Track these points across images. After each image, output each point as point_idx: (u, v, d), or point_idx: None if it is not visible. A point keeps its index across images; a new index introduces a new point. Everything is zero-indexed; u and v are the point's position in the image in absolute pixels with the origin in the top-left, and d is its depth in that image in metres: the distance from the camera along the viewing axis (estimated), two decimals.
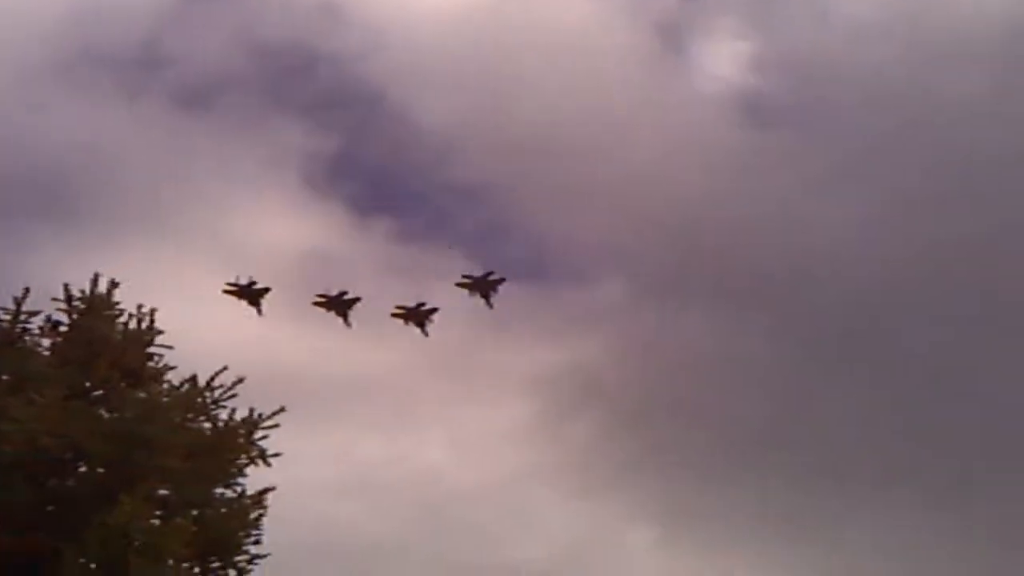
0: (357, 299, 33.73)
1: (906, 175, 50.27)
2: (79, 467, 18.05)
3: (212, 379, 18.83)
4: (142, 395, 18.44)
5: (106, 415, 18.35)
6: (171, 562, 17.17)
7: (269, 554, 18.57)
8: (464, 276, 28.53)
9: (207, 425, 18.80)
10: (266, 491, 18.85)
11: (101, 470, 18.02)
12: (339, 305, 34.08)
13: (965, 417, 46.71)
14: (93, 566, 17.19)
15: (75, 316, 18.99)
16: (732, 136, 52.85)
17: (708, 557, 45.74)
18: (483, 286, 27.28)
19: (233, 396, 18.86)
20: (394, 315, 32.56)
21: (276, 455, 18.97)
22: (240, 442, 18.76)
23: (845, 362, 48.85)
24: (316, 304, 34.50)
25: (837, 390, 48.55)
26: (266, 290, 29.07)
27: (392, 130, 54.54)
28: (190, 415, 18.59)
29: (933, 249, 48.89)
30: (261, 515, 18.60)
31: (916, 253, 48.87)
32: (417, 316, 30.93)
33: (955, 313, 48.39)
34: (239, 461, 18.78)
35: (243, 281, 29.10)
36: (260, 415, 18.92)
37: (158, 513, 17.63)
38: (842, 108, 52.57)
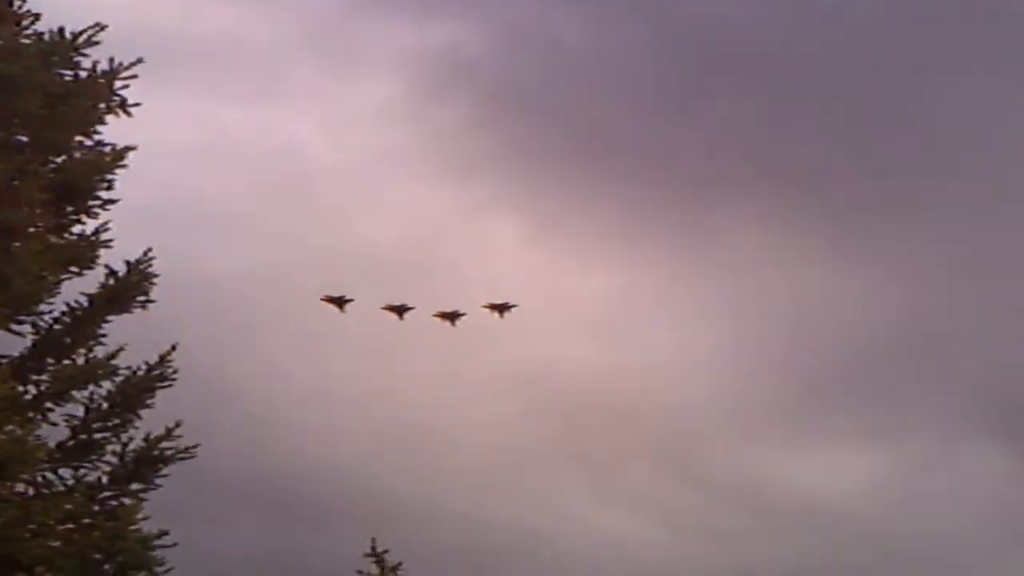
0: None
1: None
2: None
3: (79, 34, 18.53)
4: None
5: None
6: (27, 208, 17.25)
7: (120, 199, 18.83)
8: (489, 303, 33.02)
9: (68, 73, 18.58)
10: (127, 149, 18.90)
11: None
12: None
13: (856, 123, 47.17)
14: None
15: None
16: None
17: (571, 259, 46.32)
18: (500, 308, 32.22)
19: (95, 44, 18.62)
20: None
21: (136, 104, 18.96)
22: (101, 91, 18.64)
23: (729, 69, 48.75)
24: None
25: (718, 98, 48.63)
26: (350, 300, 31.88)
27: None
28: (54, 58, 18.34)
29: None
30: (117, 165, 18.71)
31: None
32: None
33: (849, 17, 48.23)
34: (99, 110, 18.70)
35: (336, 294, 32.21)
36: (120, 64, 18.79)
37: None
38: None
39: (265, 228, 42.35)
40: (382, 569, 25.89)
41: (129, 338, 18.84)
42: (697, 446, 43.29)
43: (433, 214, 45.62)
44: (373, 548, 25.81)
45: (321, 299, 32.12)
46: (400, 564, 25.88)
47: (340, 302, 32.01)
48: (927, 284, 45.35)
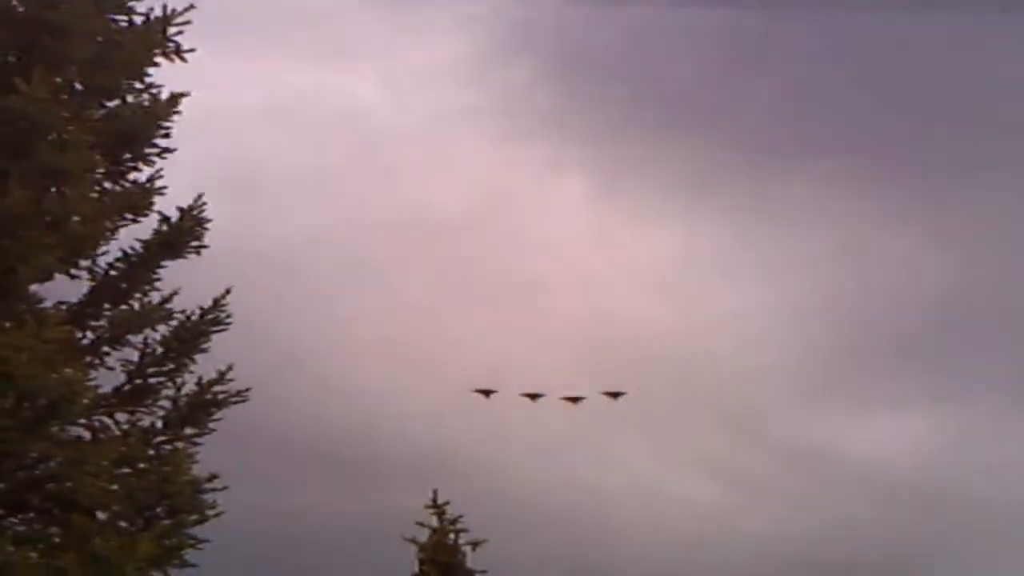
0: None
1: None
2: None
3: None
4: None
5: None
6: (77, 152, 17.26)
7: (176, 149, 18.91)
8: (606, 391, 32.92)
9: (120, 17, 18.65)
10: (181, 95, 18.93)
11: (11, 58, 17.85)
12: None
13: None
14: None
15: None
16: None
17: (635, 217, 46.15)
18: (614, 395, 31.86)
19: None
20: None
21: (191, 50, 18.96)
22: (154, 36, 18.68)
23: (795, 29, 48.31)
24: None
25: (784, 58, 48.25)
26: (495, 391, 32.24)
27: None
28: (105, 3, 18.38)
29: None
30: (172, 112, 18.77)
31: None
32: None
33: None
34: (152, 55, 18.73)
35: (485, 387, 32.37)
36: (174, 10, 18.78)
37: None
38: None
39: (329, 189, 42.45)
40: (442, 520, 25.91)
41: (188, 292, 18.93)
42: (759, 407, 43.08)
43: (498, 174, 45.53)
44: (434, 500, 25.83)
45: (471, 391, 32.58)
46: (460, 517, 25.90)
47: (487, 393, 32.69)
48: (991, 248, 44.82)
